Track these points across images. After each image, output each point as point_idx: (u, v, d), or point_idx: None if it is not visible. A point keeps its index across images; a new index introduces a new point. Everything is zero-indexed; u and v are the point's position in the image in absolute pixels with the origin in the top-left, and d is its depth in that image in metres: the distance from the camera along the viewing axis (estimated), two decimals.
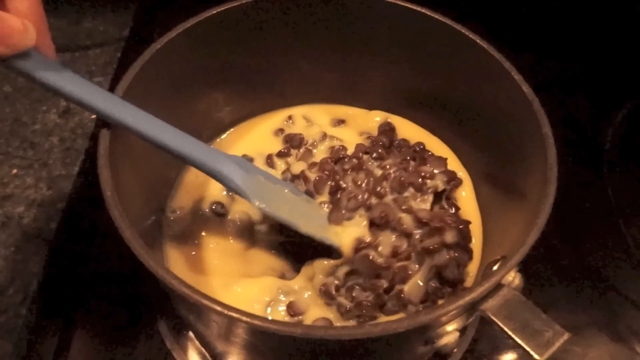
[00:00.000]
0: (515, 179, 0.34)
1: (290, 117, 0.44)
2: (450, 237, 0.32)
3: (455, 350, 0.40)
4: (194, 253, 0.37)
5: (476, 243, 0.38)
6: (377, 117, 0.44)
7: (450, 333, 0.26)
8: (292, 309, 0.33)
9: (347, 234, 0.34)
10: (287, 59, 0.41)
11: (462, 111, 0.39)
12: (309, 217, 0.35)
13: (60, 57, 0.57)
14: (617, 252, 0.47)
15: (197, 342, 0.40)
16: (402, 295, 0.32)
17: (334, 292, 0.33)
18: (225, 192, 0.40)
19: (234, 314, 0.23)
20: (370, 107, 0.45)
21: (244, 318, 0.23)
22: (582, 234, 0.48)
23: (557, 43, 0.61)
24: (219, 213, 0.39)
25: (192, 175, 0.41)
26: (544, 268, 0.45)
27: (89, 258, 0.44)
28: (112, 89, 0.32)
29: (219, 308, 0.23)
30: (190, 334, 0.40)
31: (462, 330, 0.41)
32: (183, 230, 0.38)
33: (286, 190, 0.35)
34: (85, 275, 0.43)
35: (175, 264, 0.36)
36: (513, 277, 0.28)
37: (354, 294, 0.33)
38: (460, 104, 0.39)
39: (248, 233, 0.38)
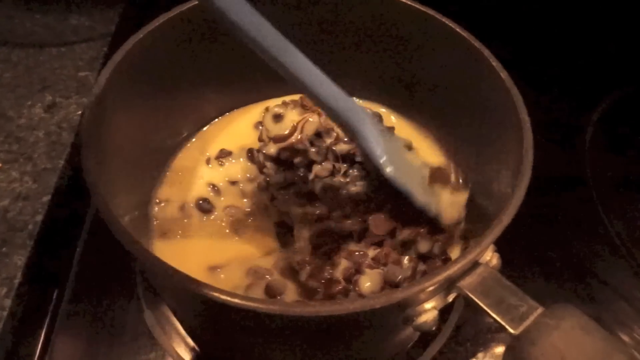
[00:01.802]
0: (494, 164, 0.34)
1: (267, 109, 0.45)
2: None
3: (439, 335, 0.40)
4: (178, 244, 0.37)
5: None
6: None
7: (429, 311, 0.26)
8: (270, 290, 0.33)
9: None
10: None
11: (440, 98, 0.39)
12: (419, 182, 0.32)
13: (46, 52, 0.58)
14: (598, 241, 0.48)
15: (183, 332, 0.40)
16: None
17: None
18: (210, 188, 0.40)
19: (211, 292, 0.23)
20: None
21: (221, 296, 0.23)
22: (564, 224, 0.49)
23: (536, 38, 0.62)
24: (205, 209, 0.39)
25: (178, 166, 0.41)
26: (526, 258, 0.46)
27: (75, 251, 0.44)
28: None
29: (195, 286, 0.23)
30: (178, 325, 0.41)
31: (446, 315, 0.42)
32: (168, 222, 0.38)
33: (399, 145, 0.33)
34: (70, 268, 0.43)
35: (160, 254, 0.36)
36: (491, 257, 0.28)
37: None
38: (438, 91, 0.39)
39: (236, 224, 0.38)
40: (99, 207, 0.26)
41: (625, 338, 0.42)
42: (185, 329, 0.40)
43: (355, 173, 0.36)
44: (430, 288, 0.24)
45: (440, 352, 0.40)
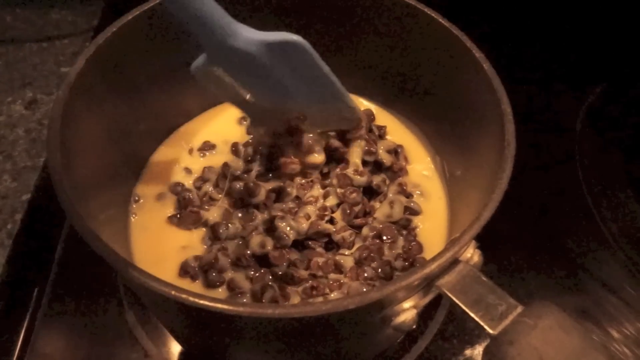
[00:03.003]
0: (476, 156, 0.34)
1: None
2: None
3: (426, 332, 0.40)
4: (157, 236, 0.36)
5: (443, 222, 0.38)
6: None
7: (407, 310, 0.26)
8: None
9: None
10: None
11: (424, 90, 0.39)
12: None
13: (27, 47, 0.57)
14: (589, 235, 0.47)
15: (164, 332, 0.39)
16: None
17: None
18: (185, 173, 0.39)
19: (178, 295, 0.22)
20: None
21: (190, 298, 0.22)
22: (554, 218, 0.48)
23: (524, 30, 0.61)
24: (179, 193, 0.38)
25: (159, 160, 0.41)
26: (516, 253, 0.45)
27: (55, 249, 0.43)
28: None
29: (162, 289, 0.22)
30: (159, 325, 0.40)
31: (432, 312, 0.42)
32: (147, 215, 0.37)
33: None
34: (51, 268, 0.42)
35: (139, 248, 0.36)
36: (472, 254, 0.27)
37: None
38: (421, 83, 0.38)
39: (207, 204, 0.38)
40: (64, 206, 0.25)
41: (615, 333, 0.42)
42: (167, 329, 0.39)
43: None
44: (407, 288, 0.23)
45: (427, 349, 0.40)
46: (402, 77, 0.40)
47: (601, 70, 0.58)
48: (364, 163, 0.38)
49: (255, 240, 0.34)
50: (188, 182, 0.39)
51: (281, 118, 0.37)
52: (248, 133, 0.42)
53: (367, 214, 0.37)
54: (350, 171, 0.37)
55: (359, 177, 0.37)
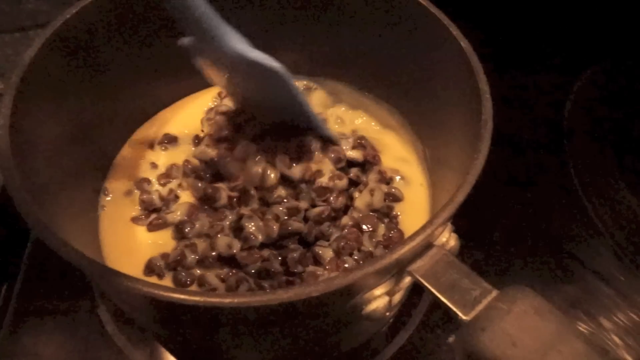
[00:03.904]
0: (455, 139, 0.32)
1: (219, 94, 0.42)
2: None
3: (409, 322, 0.39)
4: (126, 232, 0.35)
5: (424, 210, 0.37)
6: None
7: (379, 298, 0.25)
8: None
9: None
10: None
11: (401, 70, 0.37)
12: None
13: (0, 38, 0.55)
14: (577, 222, 0.46)
15: (138, 328, 0.38)
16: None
17: None
18: (150, 167, 0.38)
19: (145, 289, 0.21)
20: (297, 71, 0.43)
21: (154, 291, 0.21)
22: (542, 204, 0.47)
23: (512, 14, 0.60)
24: (143, 201, 0.37)
25: (126, 155, 0.39)
26: (503, 240, 0.44)
27: (25, 246, 0.42)
28: None
29: (124, 281, 0.21)
30: (133, 320, 0.39)
31: (416, 301, 0.40)
32: (116, 211, 0.36)
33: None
34: (20, 263, 0.41)
35: (108, 243, 0.35)
36: (447, 238, 0.26)
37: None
38: (399, 63, 0.37)
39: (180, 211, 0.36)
40: (16, 202, 0.24)
41: (605, 322, 0.41)
42: (140, 324, 0.38)
43: None
44: (375, 274, 0.22)
45: (410, 340, 0.39)
46: (381, 60, 0.39)
47: (591, 54, 0.57)
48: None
49: (222, 240, 0.33)
50: (154, 177, 0.38)
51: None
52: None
53: (347, 207, 0.36)
54: (325, 180, 0.35)
55: (339, 181, 0.35)
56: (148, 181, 0.38)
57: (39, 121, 0.30)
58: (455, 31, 0.32)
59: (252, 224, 0.33)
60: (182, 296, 0.21)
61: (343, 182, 0.36)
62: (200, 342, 0.31)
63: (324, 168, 0.36)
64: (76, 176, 0.34)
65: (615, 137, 0.51)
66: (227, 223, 0.34)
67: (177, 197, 0.36)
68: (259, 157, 0.35)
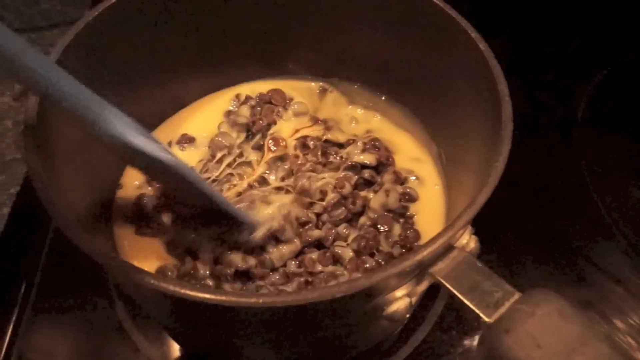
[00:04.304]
0: (473, 141, 0.32)
1: (237, 97, 0.42)
2: None
3: (424, 323, 0.39)
4: (141, 226, 0.35)
5: (440, 211, 0.37)
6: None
7: (400, 299, 0.25)
8: None
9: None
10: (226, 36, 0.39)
11: (418, 72, 0.37)
12: None
13: None
14: (590, 222, 0.46)
15: (155, 325, 0.38)
16: None
17: None
18: None
19: (161, 284, 0.22)
20: (312, 72, 0.43)
21: (171, 287, 0.21)
22: (554, 204, 0.47)
23: (527, 13, 0.60)
24: (138, 205, 0.37)
25: None
26: (515, 241, 0.44)
27: (44, 244, 0.42)
28: None
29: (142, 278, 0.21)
30: (150, 318, 0.39)
31: (430, 303, 0.40)
32: (130, 205, 0.36)
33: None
34: (39, 261, 0.41)
35: (122, 237, 0.35)
36: (468, 240, 0.26)
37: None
38: (415, 65, 0.37)
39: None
40: (39, 192, 0.24)
41: (619, 323, 0.41)
42: (157, 321, 0.38)
43: None
44: (398, 275, 0.22)
45: (425, 341, 0.39)
46: (397, 62, 0.39)
47: (604, 54, 0.57)
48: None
49: (236, 257, 0.33)
50: None
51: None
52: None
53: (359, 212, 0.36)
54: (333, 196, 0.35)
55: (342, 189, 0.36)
56: None
57: (62, 120, 0.30)
58: (474, 33, 0.32)
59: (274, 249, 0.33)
60: (210, 296, 0.21)
61: (347, 189, 0.36)
62: (218, 341, 0.32)
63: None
64: (96, 172, 0.34)
65: (628, 137, 0.51)
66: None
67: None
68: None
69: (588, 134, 0.51)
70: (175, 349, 0.39)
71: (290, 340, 0.30)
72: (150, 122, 0.41)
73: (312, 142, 0.39)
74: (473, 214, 0.24)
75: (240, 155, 0.38)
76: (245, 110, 0.41)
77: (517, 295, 0.22)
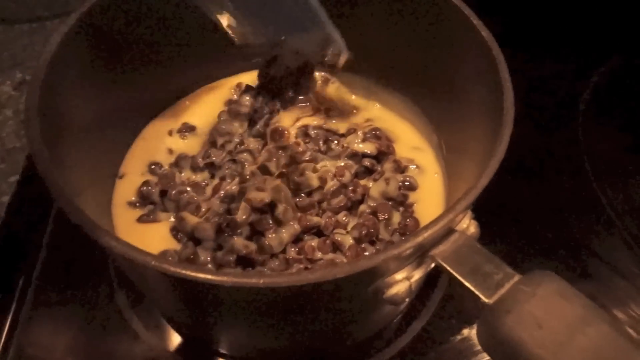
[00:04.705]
0: (474, 129, 0.32)
1: (238, 86, 0.43)
2: None
3: (423, 310, 0.39)
4: (141, 215, 0.36)
5: (440, 199, 0.37)
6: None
7: (400, 282, 0.25)
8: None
9: None
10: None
11: (418, 61, 0.37)
12: None
13: (17, 28, 0.56)
14: (593, 215, 0.46)
15: (156, 313, 0.39)
16: None
17: None
18: (168, 154, 0.38)
19: (162, 265, 0.22)
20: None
21: (171, 268, 0.21)
22: (557, 197, 0.47)
23: (532, 4, 0.60)
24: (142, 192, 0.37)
25: (144, 139, 0.40)
26: (518, 233, 0.44)
27: (44, 232, 0.42)
28: None
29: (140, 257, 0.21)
30: (151, 306, 0.39)
31: (430, 291, 0.40)
32: (132, 193, 0.36)
33: None
34: (40, 250, 0.41)
35: (121, 225, 0.35)
36: (468, 225, 0.26)
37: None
38: (416, 54, 0.37)
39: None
40: (44, 176, 0.24)
41: (622, 315, 0.41)
42: (158, 309, 0.38)
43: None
44: (398, 257, 0.22)
45: (424, 329, 0.39)
46: (397, 51, 0.39)
47: (607, 44, 0.57)
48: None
49: (239, 242, 0.33)
50: (168, 162, 0.38)
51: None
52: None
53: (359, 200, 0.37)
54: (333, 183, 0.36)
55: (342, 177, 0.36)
56: (160, 165, 0.38)
57: (63, 106, 0.30)
58: (476, 21, 0.32)
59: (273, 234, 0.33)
60: (211, 277, 0.21)
61: (347, 177, 0.36)
62: (218, 327, 0.32)
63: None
64: (97, 158, 0.34)
65: (631, 130, 0.51)
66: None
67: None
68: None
69: (591, 127, 0.51)
70: (176, 338, 0.39)
71: (291, 325, 0.30)
72: (150, 111, 0.41)
73: (314, 131, 0.39)
74: (474, 198, 0.24)
75: (241, 143, 0.38)
76: (246, 100, 0.41)
77: (517, 277, 0.22)
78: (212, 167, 0.37)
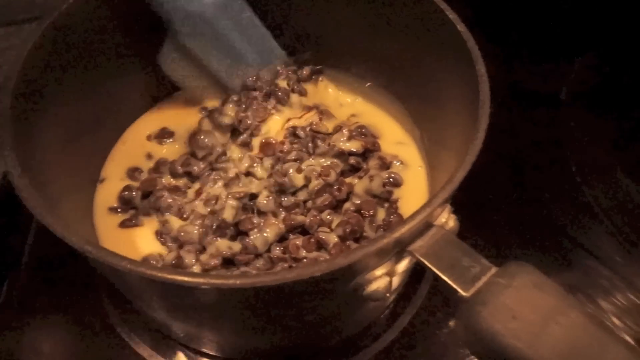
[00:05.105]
0: (452, 122, 0.32)
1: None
2: None
3: (410, 305, 0.39)
4: (123, 220, 0.36)
5: (424, 195, 0.37)
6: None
7: (380, 278, 0.25)
8: None
9: None
10: None
11: (397, 55, 0.37)
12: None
13: None
14: (575, 206, 0.46)
15: (141, 317, 0.38)
16: None
17: None
18: (146, 159, 0.38)
19: (137, 269, 0.22)
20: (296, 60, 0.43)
21: (147, 271, 0.21)
22: (540, 188, 0.47)
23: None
24: (136, 178, 0.37)
25: (124, 144, 0.39)
26: (502, 225, 0.44)
27: (27, 235, 0.42)
28: None
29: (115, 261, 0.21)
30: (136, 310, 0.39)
31: (417, 286, 0.41)
32: (113, 198, 0.36)
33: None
34: (23, 254, 0.41)
35: (104, 230, 0.35)
36: (447, 219, 0.26)
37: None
38: (394, 48, 0.37)
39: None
40: (16, 186, 0.24)
41: (607, 305, 0.41)
42: (143, 314, 0.38)
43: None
44: (376, 254, 0.22)
45: (411, 324, 0.39)
46: (377, 46, 0.39)
47: (589, 38, 0.57)
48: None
49: (222, 244, 0.33)
50: (146, 168, 0.38)
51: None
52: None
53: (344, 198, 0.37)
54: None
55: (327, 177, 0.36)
56: (140, 170, 0.38)
57: (39, 113, 0.30)
58: (452, 15, 0.32)
59: (257, 234, 0.33)
60: (189, 279, 0.21)
61: (332, 176, 0.36)
62: (203, 328, 0.32)
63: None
64: (76, 164, 0.34)
65: (612, 122, 0.52)
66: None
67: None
68: None
69: (572, 119, 0.52)
70: (163, 342, 0.38)
71: (275, 324, 0.30)
72: (128, 115, 0.41)
73: (302, 132, 0.39)
74: (451, 192, 0.24)
75: (224, 153, 0.38)
76: (229, 109, 0.39)
77: (494, 270, 0.23)
78: (190, 176, 0.37)
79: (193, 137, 0.38)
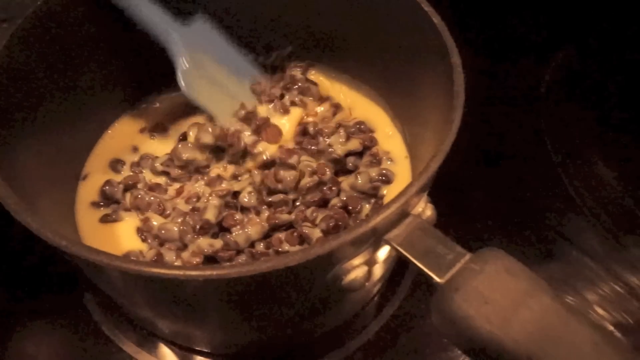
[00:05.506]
0: (430, 114, 0.33)
1: None
2: None
3: (394, 297, 0.39)
4: (104, 215, 0.35)
5: (405, 180, 0.37)
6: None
7: (357, 267, 0.25)
8: None
9: None
10: None
11: (374, 48, 0.38)
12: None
13: None
14: (557, 198, 0.47)
15: (125, 314, 0.38)
16: None
17: None
18: (132, 151, 0.38)
19: (114, 263, 0.22)
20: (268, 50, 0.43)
21: (128, 265, 0.21)
22: (522, 181, 0.48)
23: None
24: (118, 170, 0.37)
25: (109, 139, 0.39)
26: (484, 216, 0.45)
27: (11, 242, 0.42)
28: None
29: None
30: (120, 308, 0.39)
31: (400, 278, 0.41)
32: (94, 193, 0.36)
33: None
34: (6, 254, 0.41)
35: (85, 227, 0.35)
36: (424, 208, 0.27)
37: None
38: (371, 42, 0.37)
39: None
40: None
41: (592, 296, 0.42)
42: (125, 310, 0.38)
43: None
44: (351, 243, 0.23)
45: (395, 315, 0.39)
46: (357, 42, 0.39)
47: (568, 30, 0.58)
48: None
49: (204, 242, 0.33)
50: (130, 160, 0.38)
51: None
52: None
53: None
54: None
55: (323, 175, 0.36)
56: (122, 162, 0.38)
57: (14, 106, 0.30)
58: (427, 7, 0.32)
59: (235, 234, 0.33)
60: (163, 271, 0.21)
61: (327, 176, 0.36)
62: (185, 322, 0.32)
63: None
64: (57, 159, 0.34)
65: (591, 114, 0.52)
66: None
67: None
68: None
69: (553, 112, 0.52)
70: (147, 338, 0.38)
71: (257, 318, 0.30)
72: (122, 106, 0.41)
73: (312, 129, 0.38)
74: (425, 181, 0.25)
75: (207, 166, 0.37)
76: (209, 128, 0.37)
77: (468, 256, 0.23)
78: (168, 176, 0.37)
79: (176, 145, 0.37)
